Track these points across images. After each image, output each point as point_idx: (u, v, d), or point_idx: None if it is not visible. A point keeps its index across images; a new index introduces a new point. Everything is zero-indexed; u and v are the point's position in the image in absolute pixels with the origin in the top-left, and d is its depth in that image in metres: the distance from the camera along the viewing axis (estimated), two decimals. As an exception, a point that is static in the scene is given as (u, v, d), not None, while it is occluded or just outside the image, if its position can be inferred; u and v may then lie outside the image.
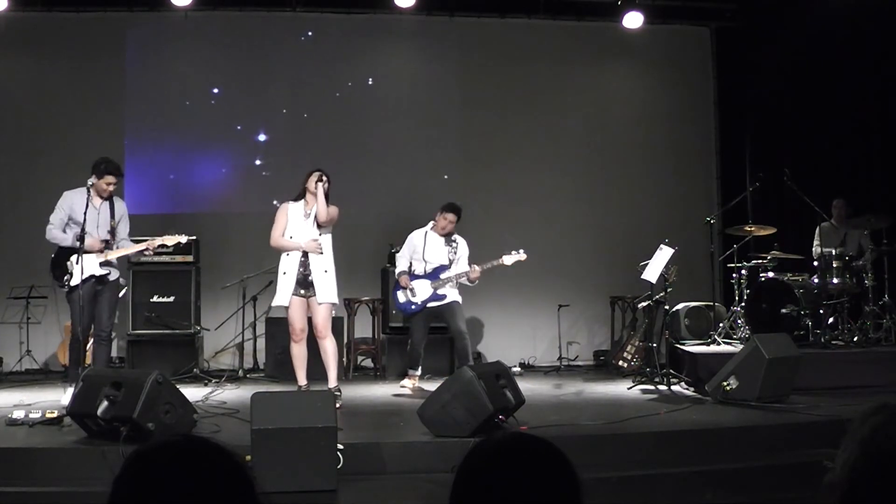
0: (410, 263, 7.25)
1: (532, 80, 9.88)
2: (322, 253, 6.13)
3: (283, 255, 6.18)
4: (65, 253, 6.13)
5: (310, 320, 6.17)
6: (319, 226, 6.16)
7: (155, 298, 8.17)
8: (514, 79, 9.86)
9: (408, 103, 9.75)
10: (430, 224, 7.26)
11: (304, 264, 6.10)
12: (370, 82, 9.69)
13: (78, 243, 5.98)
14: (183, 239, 6.39)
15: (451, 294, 7.13)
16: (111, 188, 6.17)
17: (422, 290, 7.10)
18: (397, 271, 7.29)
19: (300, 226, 6.19)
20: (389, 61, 9.87)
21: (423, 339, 7.22)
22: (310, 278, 6.08)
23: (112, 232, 6.20)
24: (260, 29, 9.53)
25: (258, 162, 9.53)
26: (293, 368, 6.28)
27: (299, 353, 6.19)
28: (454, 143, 9.77)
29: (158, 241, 6.30)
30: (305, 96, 9.57)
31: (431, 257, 7.15)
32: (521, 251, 7.09)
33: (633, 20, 9.39)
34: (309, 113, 9.57)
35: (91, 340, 6.29)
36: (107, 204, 6.20)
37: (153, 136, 9.36)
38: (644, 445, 5.10)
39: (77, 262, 5.96)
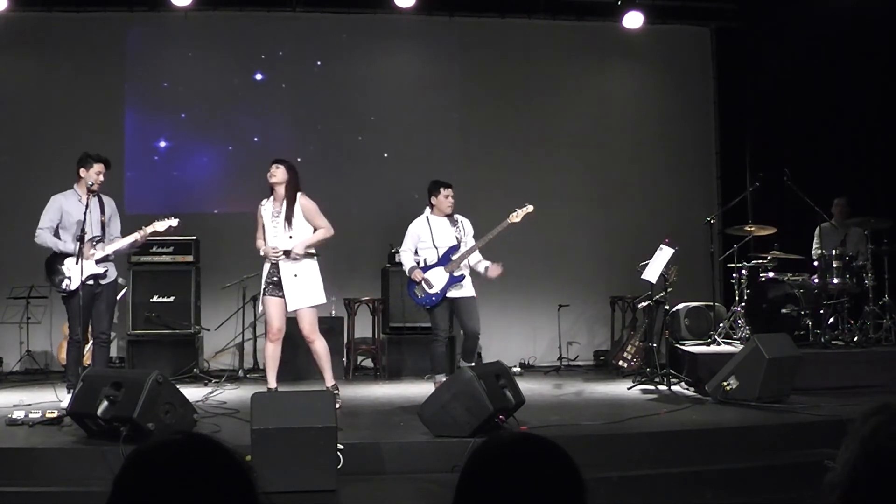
0: (417, 255, 6.77)
1: (532, 80, 9.89)
2: (286, 257, 5.93)
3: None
4: (58, 257, 6.01)
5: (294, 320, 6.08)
6: (290, 227, 5.99)
7: (155, 298, 8.17)
8: (514, 79, 9.86)
9: (408, 103, 9.75)
10: (427, 210, 6.81)
11: (275, 267, 5.97)
12: (370, 82, 9.69)
13: (77, 244, 5.92)
14: (174, 222, 6.26)
15: (468, 284, 6.61)
16: (101, 178, 6.05)
17: (437, 279, 6.55)
18: (407, 268, 6.68)
19: (271, 227, 6.05)
20: (389, 61, 9.87)
21: (447, 332, 6.72)
22: (280, 281, 5.96)
23: (103, 229, 6.11)
24: (260, 29, 9.54)
25: (258, 162, 9.49)
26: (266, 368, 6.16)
27: (273, 352, 6.02)
28: (454, 143, 9.77)
29: (150, 228, 6.17)
30: (305, 96, 9.57)
31: (441, 241, 6.63)
32: (527, 205, 6.69)
33: (633, 20, 9.39)
34: (309, 112, 9.58)
35: (90, 342, 6.23)
36: (96, 200, 6.10)
37: (153, 135, 9.37)
38: (644, 445, 5.10)
39: (77, 263, 5.90)
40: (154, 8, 9.17)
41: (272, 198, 6.11)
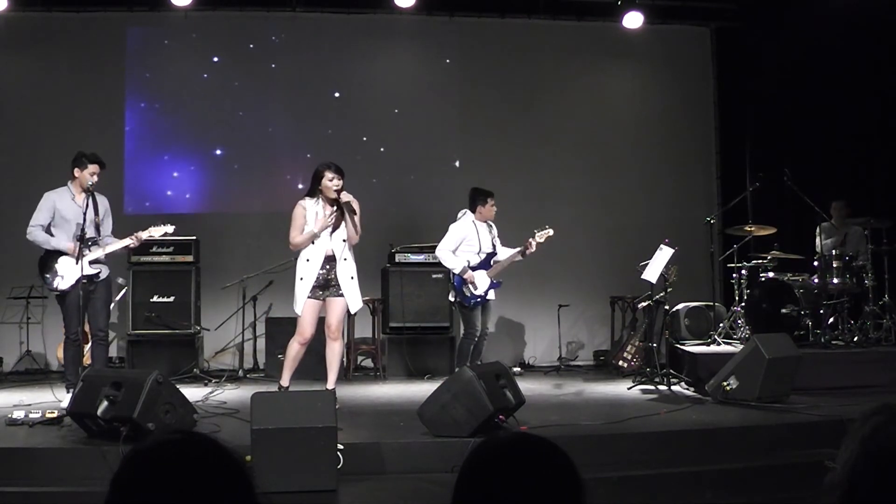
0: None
1: (532, 80, 9.89)
2: (345, 259, 5.96)
3: (303, 261, 5.92)
4: (51, 255, 6.02)
5: (321, 319, 6.06)
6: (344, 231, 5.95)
7: (155, 298, 8.16)
8: (514, 79, 9.86)
9: (408, 103, 9.75)
10: (468, 214, 7.16)
11: (328, 269, 5.91)
12: (370, 82, 9.68)
13: (75, 242, 5.94)
14: (169, 228, 6.25)
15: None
16: (96, 178, 6.05)
17: (482, 282, 6.99)
18: (458, 268, 6.97)
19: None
20: (389, 61, 9.87)
21: (479, 331, 7.03)
22: (332, 282, 5.92)
23: (97, 228, 6.08)
24: (260, 29, 9.54)
25: (257, 162, 9.51)
26: (283, 364, 6.12)
27: (297, 354, 6.01)
28: (454, 143, 9.77)
29: (144, 234, 6.16)
30: (305, 96, 9.57)
31: (486, 246, 7.12)
32: (547, 227, 7.07)
33: (633, 20, 9.39)
34: (309, 113, 9.57)
35: (90, 341, 6.24)
36: (90, 200, 6.06)
37: (153, 135, 9.37)
38: (644, 445, 5.10)
39: (77, 263, 5.90)
40: (154, 8, 9.16)
41: (317, 199, 5.98)
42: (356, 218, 5.96)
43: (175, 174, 9.43)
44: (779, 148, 9.28)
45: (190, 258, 8.34)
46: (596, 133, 10.01)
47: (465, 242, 7.06)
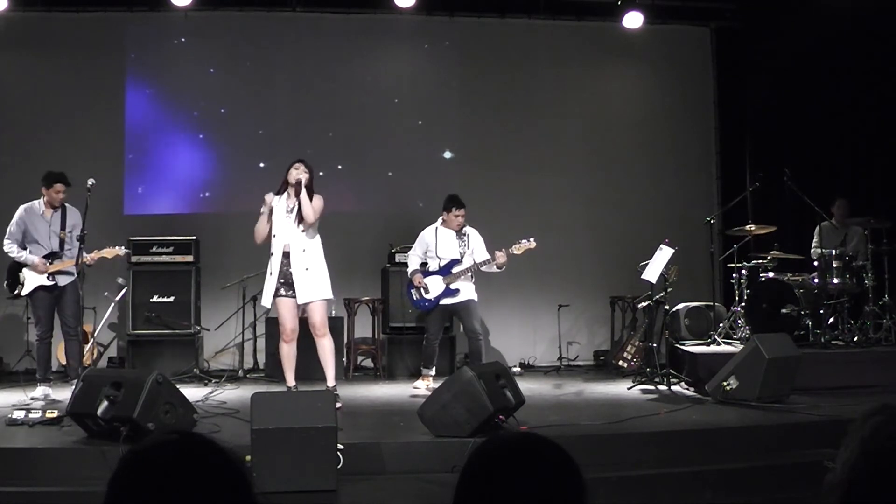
0: (425, 262, 7.22)
1: (532, 80, 9.88)
2: (304, 250, 6.01)
3: (270, 257, 6.06)
4: (17, 264, 6.57)
5: (306, 320, 6.11)
6: (302, 222, 6.01)
7: (155, 298, 8.17)
8: (514, 79, 9.86)
9: (408, 103, 9.75)
10: (440, 220, 7.23)
11: (286, 263, 5.98)
12: (370, 82, 9.68)
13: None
14: (121, 252, 6.65)
15: (466, 290, 7.07)
16: (61, 196, 6.47)
17: (434, 287, 7.08)
18: (409, 270, 7.24)
19: (283, 222, 6.05)
20: (389, 61, 9.87)
21: (437, 335, 7.19)
22: (291, 278, 5.98)
23: (61, 244, 6.45)
24: (260, 29, 9.53)
25: (258, 162, 9.51)
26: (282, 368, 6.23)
27: (289, 352, 6.10)
28: (454, 143, 9.77)
29: (97, 254, 6.52)
30: (305, 96, 9.56)
31: (444, 253, 7.12)
32: (531, 239, 7.02)
33: (633, 20, 9.39)
34: (309, 113, 9.57)
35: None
36: (58, 214, 6.45)
37: (153, 136, 9.36)
38: (644, 445, 5.10)
39: (54, 262, 6.42)
40: (154, 8, 9.16)
41: (286, 194, 6.12)
42: (314, 201, 5.99)
43: (175, 174, 9.42)
44: (779, 148, 9.28)
45: (190, 258, 8.35)
46: (596, 133, 10.01)
47: (427, 249, 7.19)
